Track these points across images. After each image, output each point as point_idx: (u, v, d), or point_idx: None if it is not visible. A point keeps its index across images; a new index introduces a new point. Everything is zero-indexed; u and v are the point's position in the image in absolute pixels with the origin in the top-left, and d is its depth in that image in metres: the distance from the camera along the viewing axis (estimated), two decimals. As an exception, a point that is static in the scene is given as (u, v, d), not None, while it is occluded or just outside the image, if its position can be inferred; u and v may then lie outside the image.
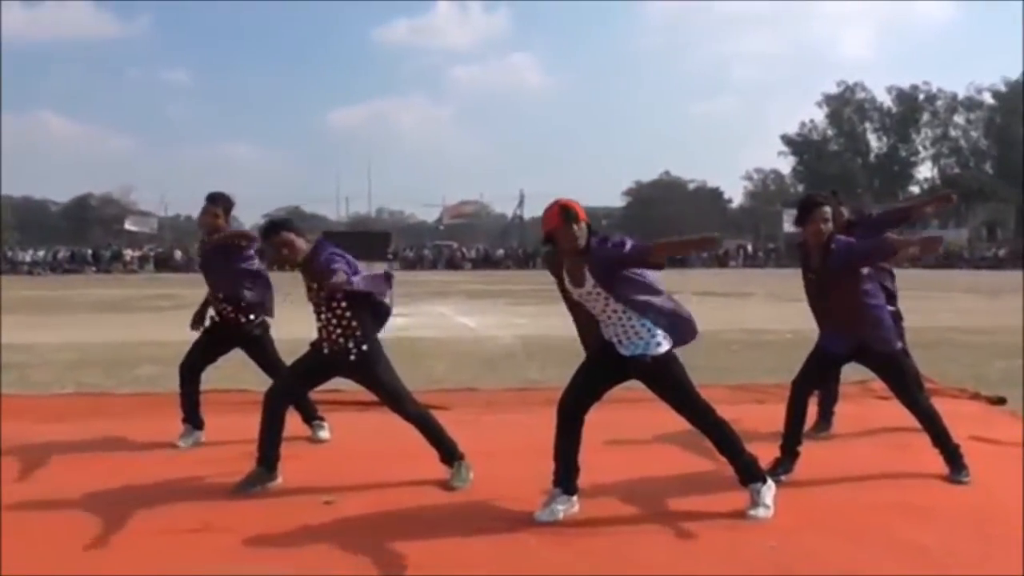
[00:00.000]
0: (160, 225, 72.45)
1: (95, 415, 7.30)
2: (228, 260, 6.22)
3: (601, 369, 4.62)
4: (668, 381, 4.53)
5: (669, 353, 4.49)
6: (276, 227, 5.24)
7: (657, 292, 4.51)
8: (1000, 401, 7.77)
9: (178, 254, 58.50)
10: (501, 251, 68.15)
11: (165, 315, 19.77)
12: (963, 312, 17.54)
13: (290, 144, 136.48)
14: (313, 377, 5.42)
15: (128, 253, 58.11)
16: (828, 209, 5.28)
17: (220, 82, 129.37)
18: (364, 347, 5.17)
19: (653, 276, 4.52)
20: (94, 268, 54.79)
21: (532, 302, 22.98)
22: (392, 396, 5.28)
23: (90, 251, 58.94)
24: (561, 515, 4.53)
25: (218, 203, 6.30)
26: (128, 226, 66.17)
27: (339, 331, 5.15)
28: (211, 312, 6.39)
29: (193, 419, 6.30)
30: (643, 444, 6.17)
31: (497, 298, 23.42)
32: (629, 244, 4.40)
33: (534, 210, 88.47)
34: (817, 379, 5.68)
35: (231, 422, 6.41)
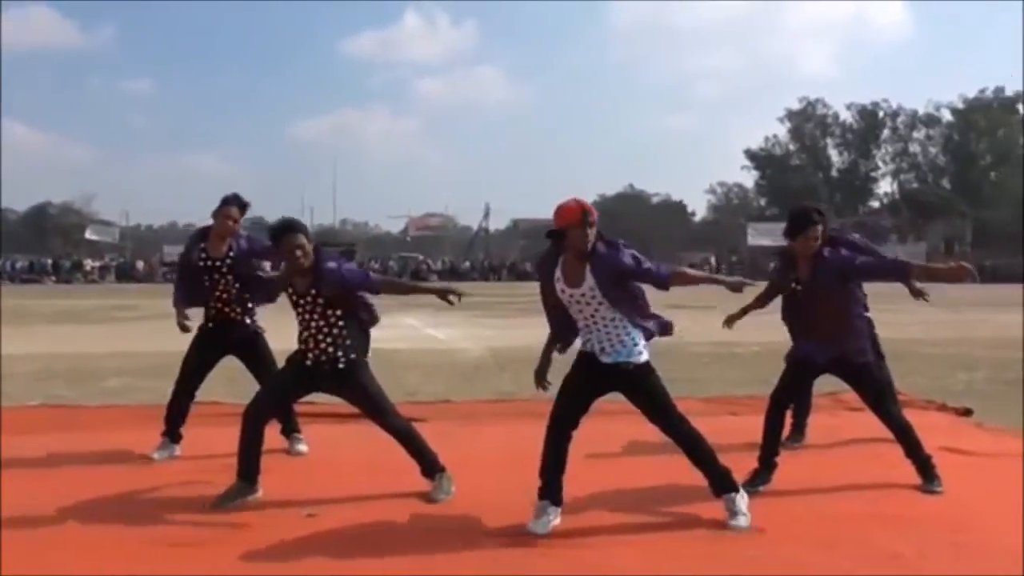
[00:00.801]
0: (121, 235, 71.73)
1: (65, 428, 7.22)
2: (247, 266, 6.15)
3: (584, 380, 4.66)
4: (647, 390, 4.59)
5: (649, 363, 4.55)
6: (293, 229, 5.07)
7: (645, 303, 4.59)
8: (967, 412, 7.93)
9: (140, 264, 57.92)
10: (467, 263, 68.20)
11: (128, 326, 19.58)
12: (927, 324, 17.80)
13: (254, 155, 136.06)
14: (294, 390, 5.35)
15: (89, 263, 57.39)
16: (821, 228, 5.39)
17: (183, 92, 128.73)
18: (352, 356, 5.15)
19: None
20: (53, 278, 54.08)
21: (499, 314, 23.01)
22: (377, 407, 5.27)
23: (50, 260, 58.15)
24: (551, 527, 4.55)
25: (233, 204, 6.16)
26: (89, 235, 65.48)
27: (329, 339, 5.10)
28: (204, 319, 6.26)
29: (173, 433, 6.24)
30: (623, 456, 6.23)
31: (464, 310, 23.38)
32: (647, 264, 4.48)
33: (499, 223, 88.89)
34: (795, 391, 5.77)
35: (206, 435, 6.39)
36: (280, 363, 6.22)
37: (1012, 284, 51.76)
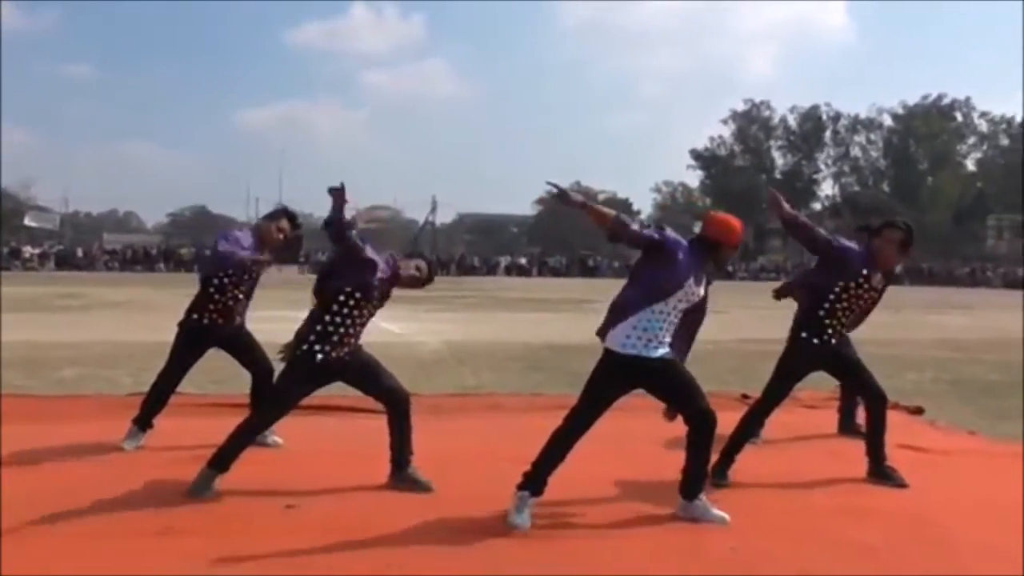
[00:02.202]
0: (61, 222, 70.18)
1: (26, 419, 7.07)
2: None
3: (618, 379, 4.67)
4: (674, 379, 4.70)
5: None
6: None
7: None
8: (918, 411, 8.17)
9: (80, 252, 56.75)
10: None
11: (77, 315, 19.23)
12: (872, 325, 18.17)
13: (197, 143, 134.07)
14: (304, 391, 5.21)
15: (27, 250, 56.02)
16: (900, 234, 5.61)
17: (125, 78, 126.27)
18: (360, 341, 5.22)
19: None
20: (-10, 265, 52.73)
21: (450, 308, 23.02)
22: (388, 374, 5.34)
23: (-14, 247, 56.69)
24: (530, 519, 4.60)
25: (284, 217, 6.25)
26: (27, 222, 64.00)
27: (363, 331, 5.18)
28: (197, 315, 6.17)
29: (144, 421, 6.17)
30: (607, 450, 6.27)
31: (415, 304, 23.28)
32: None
33: (445, 216, 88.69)
34: (788, 390, 5.85)
35: (173, 426, 6.35)
36: None
37: (946, 287, 53.25)
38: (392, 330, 15.40)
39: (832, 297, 5.55)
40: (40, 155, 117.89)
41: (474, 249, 78.06)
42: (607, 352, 4.65)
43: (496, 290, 35.08)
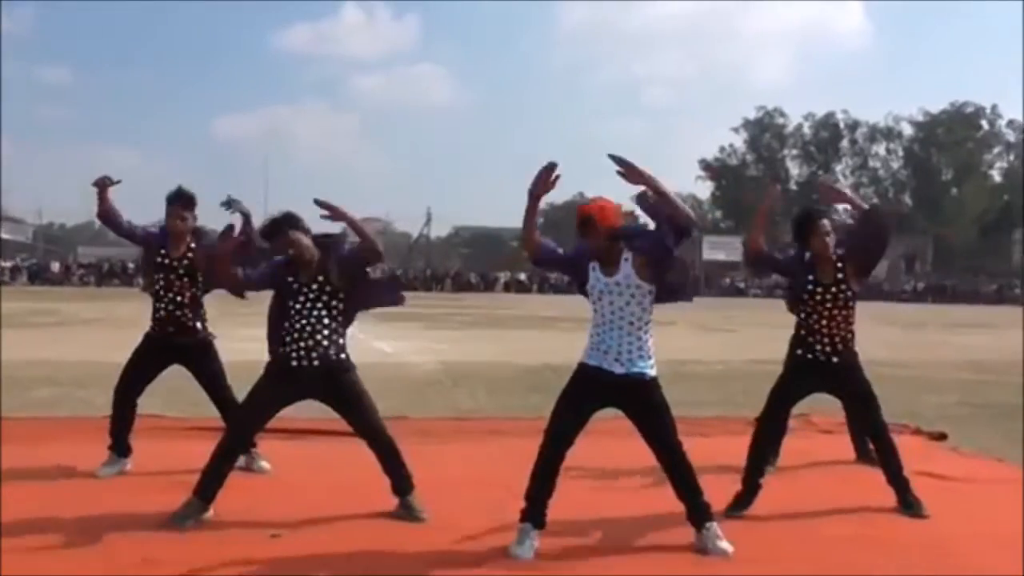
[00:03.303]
0: (34, 234, 70.27)
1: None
2: (205, 266, 6.11)
3: (589, 394, 4.73)
4: (658, 406, 4.74)
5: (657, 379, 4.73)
6: (283, 225, 5.12)
7: None
8: (941, 437, 8.18)
9: (55, 266, 56.83)
10: (408, 272, 67.95)
11: (49, 332, 19.25)
12: (890, 345, 18.21)
13: (177, 151, 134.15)
14: (278, 404, 5.29)
15: (-1, 264, 56.12)
16: (827, 222, 5.58)
17: (103, 83, 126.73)
18: (343, 355, 5.20)
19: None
20: (-41, 280, 52.80)
21: (447, 326, 23.08)
22: (369, 409, 5.30)
23: (-45, 261, 56.77)
24: (534, 551, 4.62)
25: (176, 203, 6.13)
26: (-1, 234, 64.03)
27: (325, 333, 5.12)
28: (151, 325, 6.22)
29: (120, 446, 6.20)
30: (606, 477, 6.32)
31: (409, 321, 23.38)
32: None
33: (440, 229, 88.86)
34: (790, 409, 5.91)
35: (150, 450, 6.37)
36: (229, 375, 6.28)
37: (972, 305, 53.25)
38: (383, 349, 15.44)
39: (802, 312, 5.68)
40: (12, 163, 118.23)
41: (471, 264, 78.17)
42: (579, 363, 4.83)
43: (494, 307, 35.16)
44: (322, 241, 5.20)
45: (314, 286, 5.13)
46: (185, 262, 6.12)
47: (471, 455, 7.10)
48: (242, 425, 5.34)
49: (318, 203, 5.03)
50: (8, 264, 56.25)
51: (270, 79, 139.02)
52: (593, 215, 4.60)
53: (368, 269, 5.35)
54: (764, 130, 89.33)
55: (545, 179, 4.58)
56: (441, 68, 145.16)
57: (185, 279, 6.13)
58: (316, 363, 5.12)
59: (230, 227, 5.86)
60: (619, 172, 4.56)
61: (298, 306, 5.13)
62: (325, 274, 5.13)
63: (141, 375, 6.26)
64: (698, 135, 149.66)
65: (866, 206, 5.77)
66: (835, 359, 5.61)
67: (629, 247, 4.64)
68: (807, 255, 5.67)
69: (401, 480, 5.32)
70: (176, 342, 6.16)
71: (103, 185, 6.06)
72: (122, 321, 22.14)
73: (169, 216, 6.14)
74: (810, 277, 5.60)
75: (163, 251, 6.11)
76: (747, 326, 22.72)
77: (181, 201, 6.14)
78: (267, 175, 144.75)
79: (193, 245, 6.16)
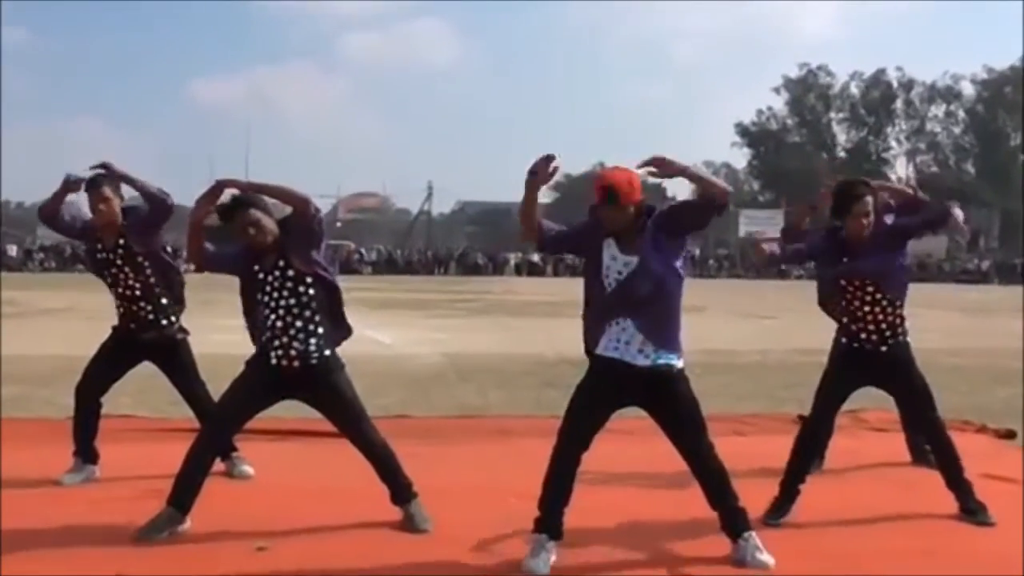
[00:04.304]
0: (-11, 214, 70.64)
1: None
2: (150, 253, 6.12)
3: (609, 391, 4.74)
4: (687, 401, 4.74)
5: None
6: (244, 204, 5.11)
7: None
8: (1010, 435, 8.16)
9: (12, 249, 57.03)
10: (407, 253, 68.15)
11: (7, 325, 19.32)
12: (951, 333, 18.16)
13: (149, 119, 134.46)
14: (257, 403, 5.32)
15: (-52, 248, 56.38)
16: (869, 200, 5.54)
17: (63, 44, 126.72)
18: (327, 352, 5.21)
19: None
20: (-95, 266, 53.09)
21: (450, 314, 23.10)
22: (357, 416, 5.32)
23: (-100, 245, 57.11)
24: (551, 564, 4.63)
25: (106, 184, 6.07)
26: (-51, 214, 64.28)
27: (299, 326, 5.11)
28: (115, 321, 6.27)
29: (85, 452, 6.24)
30: (629, 481, 6.33)
31: (409, 309, 23.50)
32: None
33: (443, 205, 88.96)
34: (839, 406, 5.91)
35: (120, 454, 6.43)
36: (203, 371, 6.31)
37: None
38: (380, 340, 15.48)
39: (842, 300, 5.69)
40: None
41: (478, 243, 78.21)
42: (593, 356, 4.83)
43: (504, 293, 35.18)
44: (281, 223, 5.18)
45: (276, 272, 5.12)
46: (120, 251, 6.10)
47: (479, 458, 7.12)
48: (217, 427, 5.40)
49: (222, 184, 5.12)
50: (-42, 248, 56.51)
51: (251, 37, 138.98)
52: (620, 188, 4.55)
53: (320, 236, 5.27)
54: (808, 90, 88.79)
55: (543, 169, 4.59)
56: (444, 23, 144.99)
57: (127, 270, 6.10)
58: (296, 363, 5.14)
59: (210, 192, 5.73)
60: (651, 173, 4.63)
61: (266, 298, 5.14)
62: (285, 258, 5.11)
63: (105, 373, 6.31)
64: (733, 97, 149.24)
65: (915, 193, 5.75)
66: (883, 348, 5.62)
67: (655, 223, 4.62)
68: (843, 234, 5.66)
69: (400, 489, 5.35)
70: (139, 340, 6.19)
71: (71, 189, 6.06)
72: (89, 312, 22.19)
73: (90, 205, 6.11)
74: (845, 260, 5.60)
75: (99, 245, 6.14)
76: (788, 311, 22.64)
77: (96, 184, 6.08)
78: (248, 145, 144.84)
79: (124, 230, 6.11)
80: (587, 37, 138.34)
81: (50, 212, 6.15)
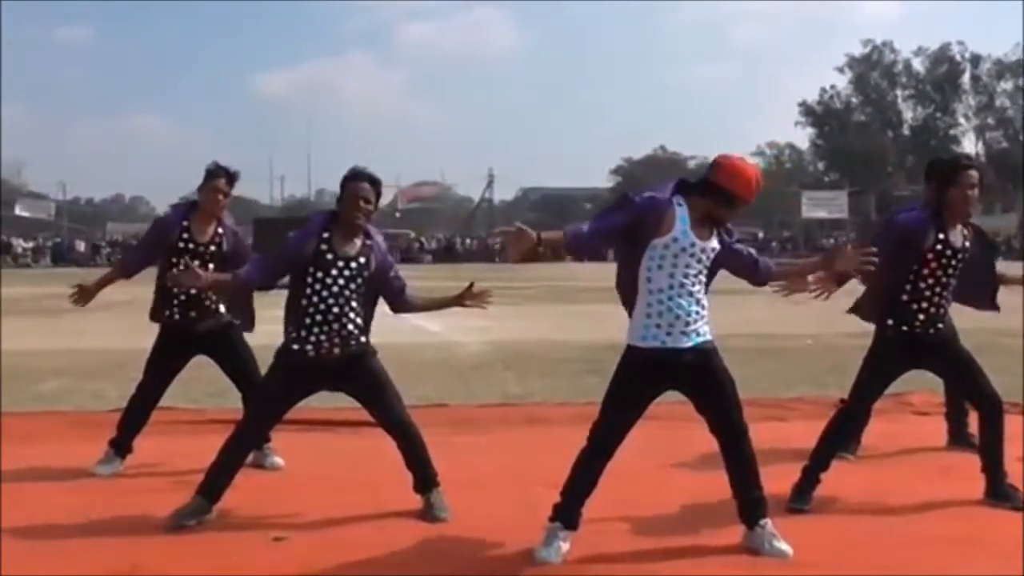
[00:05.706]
0: (57, 210, 71.85)
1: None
2: (235, 252, 6.25)
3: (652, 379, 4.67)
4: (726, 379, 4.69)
5: None
6: (362, 177, 5.23)
7: None
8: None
9: (81, 245, 58.09)
10: (468, 240, 68.27)
11: (68, 319, 19.60)
12: (1013, 311, 17.72)
13: (211, 115, 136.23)
14: (296, 394, 5.34)
15: (19, 244, 57.56)
16: (975, 173, 5.46)
17: (127, 41, 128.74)
18: (364, 338, 5.28)
19: None
20: (-23, 262, 54.32)
21: (502, 302, 22.92)
22: (396, 404, 5.37)
23: (-28, 242, 58.41)
24: (564, 554, 4.60)
25: (221, 176, 6.20)
26: (19, 211, 65.58)
27: (351, 316, 5.17)
28: (170, 313, 6.28)
29: (122, 444, 6.31)
30: (648, 469, 6.26)
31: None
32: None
33: (505, 193, 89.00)
34: (882, 392, 5.82)
35: (157, 446, 6.50)
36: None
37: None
38: (428, 328, 15.49)
39: (912, 275, 5.49)
40: (32, 133, 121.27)
41: (540, 230, 77.97)
42: (628, 348, 4.67)
43: (562, 279, 35.00)
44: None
45: (353, 264, 5.18)
46: (212, 248, 6.22)
47: (509, 446, 7.11)
48: (257, 420, 5.42)
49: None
50: (29, 245, 57.66)
51: (312, 29, 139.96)
52: (750, 185, 4.59)
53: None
54: (872, 68, 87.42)
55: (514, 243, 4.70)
56: (502, 11, 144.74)
57: (211, 266, 6.16)
58: (337, 351, 5.17)
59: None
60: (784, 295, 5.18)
61: (328, 280, 5.14)
62: (367, 255, 5.22)
63: (166, 372, 6.39)
64: (796, 76, 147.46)
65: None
66: (932, 331, 5.50)
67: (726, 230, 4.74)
68: (934, 211, 5.51)
69: (425, 476, 5.36)
70: (198, 329, 6.24)
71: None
72: (147, 305, 22.49)
73: (207, 191, 6.19)
74: (940, 236, 5.45)
75: (186, 235, 6.18)
76: (844, 294, 22.24)
77: (226, 175, 6.21)
78: (310, 139, 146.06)
79: (221, 230, 6.26)
80: (647, 18, 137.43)
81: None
